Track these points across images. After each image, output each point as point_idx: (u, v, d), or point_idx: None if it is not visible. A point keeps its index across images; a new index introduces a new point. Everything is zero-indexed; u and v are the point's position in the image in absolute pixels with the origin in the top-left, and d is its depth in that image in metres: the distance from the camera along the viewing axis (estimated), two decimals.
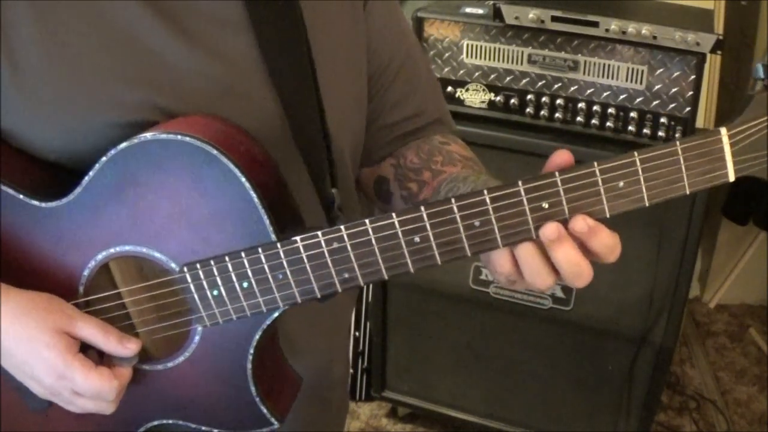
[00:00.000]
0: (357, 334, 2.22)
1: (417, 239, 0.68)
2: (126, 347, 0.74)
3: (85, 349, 0.74)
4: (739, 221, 2.45)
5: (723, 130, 0.64)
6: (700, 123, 1.70)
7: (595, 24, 1.58)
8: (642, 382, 1.87)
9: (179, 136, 0.69)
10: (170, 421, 0.81)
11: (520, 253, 0.68)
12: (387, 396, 2.15)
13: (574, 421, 1.98)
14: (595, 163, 0.65)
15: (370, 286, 2.03)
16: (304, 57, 0.79)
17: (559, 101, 1.70)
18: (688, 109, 1.61)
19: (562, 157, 0.67)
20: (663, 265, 1.73)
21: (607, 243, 0.66)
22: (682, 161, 0.65)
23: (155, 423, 0.81)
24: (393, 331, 2.06)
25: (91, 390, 0.72)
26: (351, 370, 2.24)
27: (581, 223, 0.65)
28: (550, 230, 0.66)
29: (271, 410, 0.79)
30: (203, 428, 0.81)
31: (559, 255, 0.66)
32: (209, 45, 0.76)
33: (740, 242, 2.67)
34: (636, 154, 0.65)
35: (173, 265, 0.73)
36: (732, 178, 0.65)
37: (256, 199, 0.70)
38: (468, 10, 1.71)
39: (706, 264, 2.79)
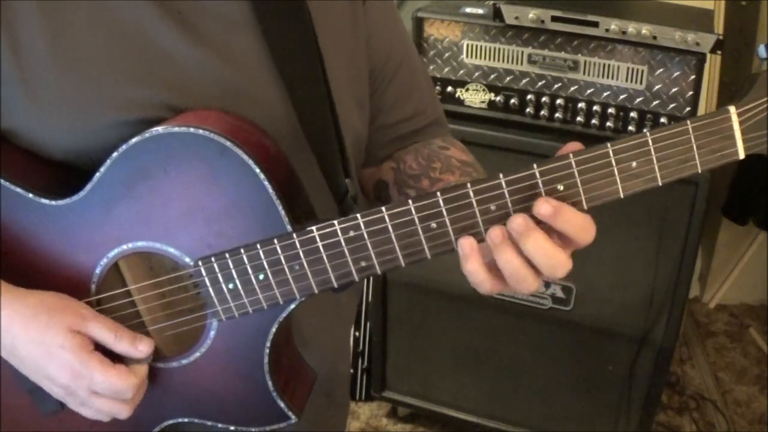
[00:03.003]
0: (357, 334, 2.21)
1: (433, 225, 0.68)
2: (137, 349, 0.74)
3: (98, 349, 0.73)
4: (739, 221, 2.46)
5: (732, 109, 0.65)
6: None
7: (595, 24, 1.58)
8: (642, 382, 1.87)
9: (192, 129, 0.69)
10: (186, 420, 0.81)
11: (498, 261, 0.67)
12: (387, 396, 2.15)
13: (574, 421, 1.98)
14: (608, 144, 0.65)
15: (370, 285, 2.03)
16: (313, 54, 0.80)
17: (559, 101, 1.70)
18: (688, 109, 1.61)
19: (574, 146, 0.67)
20: (663, 265, 1.73)
21: (574, 221, 0.66)
22: (693, 140, 0.65)
23: (171, 422, 0.81)
24: (393, 331, 2.06)
25: (109, 388, 0.72)
26: (351, 370, 2.24)
27: (545, 205, 0.65)
28: (517, 222, 0.65)
29: (289, 404, 0.78)
30: (219, 425, 0.80)
31: (529, 245, 0.65)
32: (217, 43, 0.76)
33: (740, 242, 2.67)
34: (648, 133, 0.65)
35: (187, 260, 0.73)
36: (742, 155, 0.66)
37: (270, 190, 0.70)
38: (468, 10, 1.71)
39: (706, 264, 2.79)
